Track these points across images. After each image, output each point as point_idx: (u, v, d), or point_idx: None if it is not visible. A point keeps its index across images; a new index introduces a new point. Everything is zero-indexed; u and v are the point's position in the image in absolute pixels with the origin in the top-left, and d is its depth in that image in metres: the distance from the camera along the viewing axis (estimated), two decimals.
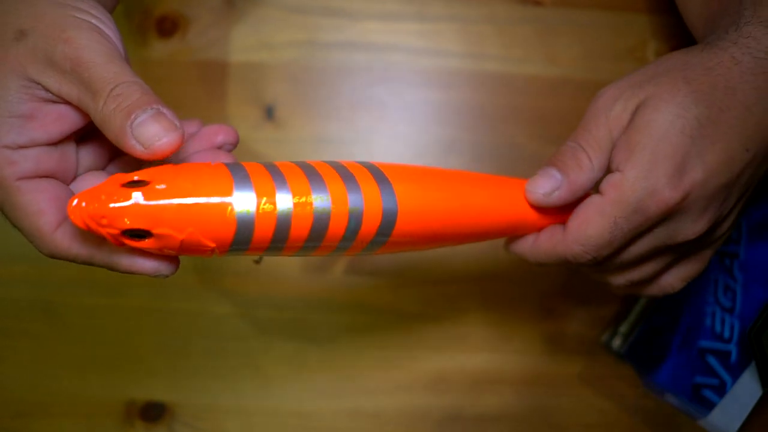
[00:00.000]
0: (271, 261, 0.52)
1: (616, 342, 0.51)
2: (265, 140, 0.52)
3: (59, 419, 0.51)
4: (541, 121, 0.52)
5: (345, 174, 0.30)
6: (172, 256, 0.29)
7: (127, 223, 0.26)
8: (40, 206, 0.28)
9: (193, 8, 0.52)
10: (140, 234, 0.26)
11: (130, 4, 0.52)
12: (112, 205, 0.25)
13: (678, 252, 0.36)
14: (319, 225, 0.28)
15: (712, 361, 0.48)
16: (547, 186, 0.34)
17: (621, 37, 0.53)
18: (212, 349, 0.52)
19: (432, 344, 0.53)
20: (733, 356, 0.48)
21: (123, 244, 0.27)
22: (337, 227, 0.29)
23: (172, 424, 0.51)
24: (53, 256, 0.30)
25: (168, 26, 0.52)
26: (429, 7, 0.53)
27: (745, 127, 0.33)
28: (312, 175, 0.29)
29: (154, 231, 0.26)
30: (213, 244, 0.27)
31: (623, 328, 0.51)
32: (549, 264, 0.36)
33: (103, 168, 0.33)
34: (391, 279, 0.53)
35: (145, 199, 0.26)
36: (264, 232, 0.27)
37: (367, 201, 0.29)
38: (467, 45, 0.53)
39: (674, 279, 0.38)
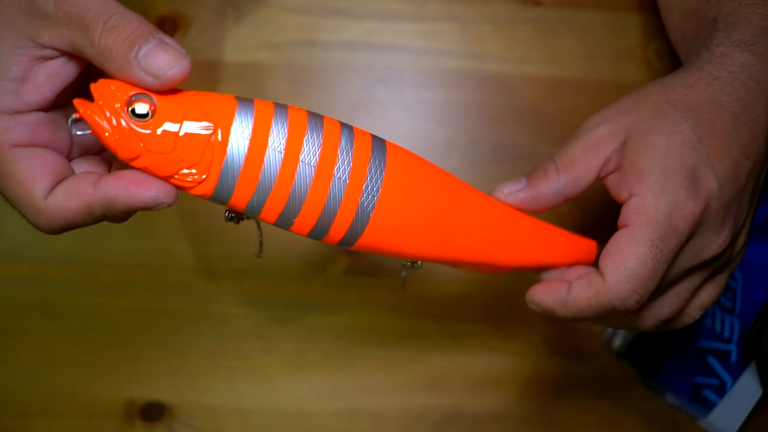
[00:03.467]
0: (271, 259, 0.52)
1: (616, 342, 0.51)
2: None
3: (59, 419, 0.51)
4: (541, 121, 0.52)
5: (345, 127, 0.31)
6: (169, 175, 0.28)
7: (131, 93, 0.27)
8: (34, 173, 0.28)
9: (193, 8, 0.52)
10: (144, 114, 0.27)
11: (130, 4, 0.52)
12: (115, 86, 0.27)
13: (703, 274, 0.35)
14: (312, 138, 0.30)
15: (712, 361, 0.48)
16: (511, 186, 0.36)
17: (621, 37, 0.53)
18: (212, 349, 0.52)
19: (432, 344, 0.53)
20: (733, 356, 0.48)
21: (127, 130, 0.27)
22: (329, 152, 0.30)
23: (172, 424, 0.51)
24: (48, 224, 0.28)
25: (168, 26, 0.52)
26: (429, 7, 0.53)
27: (739, 135, 0.33)
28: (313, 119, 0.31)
29: (155, 97, 0.27)
30: (210, 130, 0.28)
31: None
32: (586, 318, 0.34)
33: (97, 152, 0.32)
34: (391, 279, 0.53)
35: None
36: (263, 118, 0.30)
37: (357, 147, 0.30)
38: (467, 45, 0.53)
39: (693, 309, 0.37)
